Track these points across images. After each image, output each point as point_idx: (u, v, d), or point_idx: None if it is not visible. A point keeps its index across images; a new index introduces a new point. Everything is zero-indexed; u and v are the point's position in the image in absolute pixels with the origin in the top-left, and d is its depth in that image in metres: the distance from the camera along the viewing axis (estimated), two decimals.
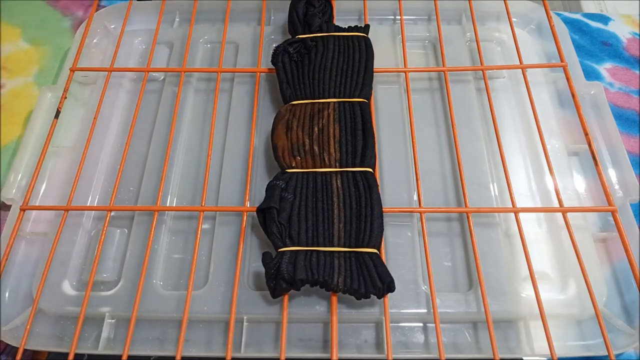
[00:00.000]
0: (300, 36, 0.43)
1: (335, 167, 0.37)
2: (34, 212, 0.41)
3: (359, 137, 0.37)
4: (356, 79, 0.41)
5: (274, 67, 0.42)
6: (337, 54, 0.42)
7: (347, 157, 0.37)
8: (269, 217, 0.34)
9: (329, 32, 0.43)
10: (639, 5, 0.58)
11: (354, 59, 0.42)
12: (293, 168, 0.37)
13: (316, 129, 0.38)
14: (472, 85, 0.45)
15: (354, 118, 0.38)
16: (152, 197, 0.40)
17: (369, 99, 0.40)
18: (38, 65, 0.54)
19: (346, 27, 0.44)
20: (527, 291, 0.35)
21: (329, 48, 0.42)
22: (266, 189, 0.36)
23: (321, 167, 0.37)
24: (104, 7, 0.52)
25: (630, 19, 0.57)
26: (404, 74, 0.44)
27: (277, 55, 0.42)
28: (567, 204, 0.37)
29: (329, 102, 0.40)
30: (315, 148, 0.37)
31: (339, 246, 0.33)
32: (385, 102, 0.44)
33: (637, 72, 0.52)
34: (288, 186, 0.36)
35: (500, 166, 0.39)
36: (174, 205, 0.40)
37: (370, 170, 0.36)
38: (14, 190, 0.41)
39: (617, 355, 0.36)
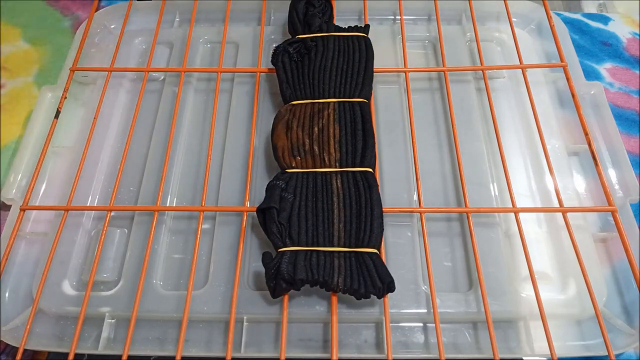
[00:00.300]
0: (300, 36, 0.43)
1: (335, 167, 0.37)
2: (34, 212, 0.41)
3: (359, 137, 0.37)
4: (356, 79, 0.41)
5: (274, 67, 0.42)
6: (337, 54, 0.42)
7: (347, 157, 0.37)
8: (269, 217, 0.34)
9: (329, 32, 0.43)
10: (639, 5, 0.58)
11: (354, 59, 0.42)
12: (293, 168, 0.37)
13: (316, 129, 0.38)
14: (472, 85, 0.45)
15: (354, 118, 0.38)
16: (152, 197, 0.40)
17: (369, 99, 0.40)
18: (38, 65, 0.54)
19: (346, 27, 0.44)
20: (527, 291, 0.35)
21: (329, 48, 0.42)
22: (266, 189, 0.36)
23: (321, 167, 0.37)
24: (104, 7, 0.52)
25: (630, 19, 0.57)
26: (404, 74, 0.44)
27: (277, 55, 0.42)
28: (567, 204, 0.37)
29: (329, 102, 0.40)
30: (315, 148, 0.37)
31: (339, 246, 0.33)
32: (385, 102, 0.44)
33: (637, 72, 0.52)
34: (288, 186, 0.36)
35: (500, 166, 0.39)
36: (174, 205, 0.40)
37: (370, 170, 0.36)
38: (14, 190, 0.42)
39: (617, 355, 0.36)
